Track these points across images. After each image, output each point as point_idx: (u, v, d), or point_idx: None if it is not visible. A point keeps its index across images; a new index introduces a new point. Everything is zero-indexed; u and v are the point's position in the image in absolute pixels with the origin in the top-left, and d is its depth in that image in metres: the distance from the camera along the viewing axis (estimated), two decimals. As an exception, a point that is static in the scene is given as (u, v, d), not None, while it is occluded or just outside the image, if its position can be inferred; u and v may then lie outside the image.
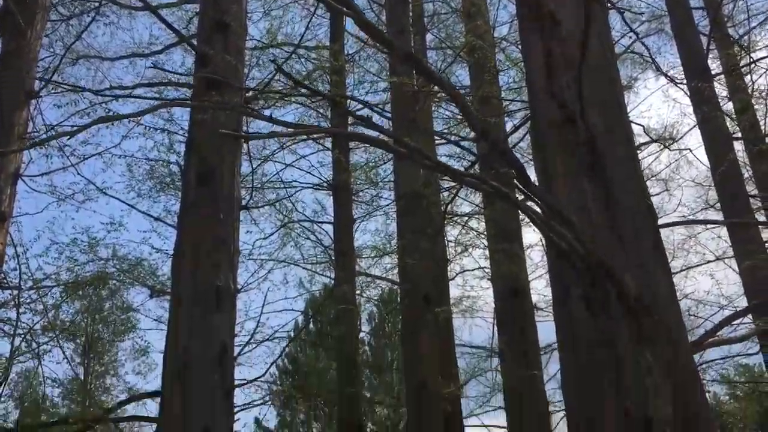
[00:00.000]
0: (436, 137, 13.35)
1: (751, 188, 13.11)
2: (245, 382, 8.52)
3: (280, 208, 14.93)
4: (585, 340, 4.55)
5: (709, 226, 12.93)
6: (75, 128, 6.02)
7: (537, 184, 5.11)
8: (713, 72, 14.00)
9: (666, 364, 4.45)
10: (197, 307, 6.87)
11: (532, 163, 6.60)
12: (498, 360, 14.70)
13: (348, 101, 13.05)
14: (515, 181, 4.60)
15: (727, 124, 13.54)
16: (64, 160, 10.36)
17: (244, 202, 8.69)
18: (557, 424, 13.12)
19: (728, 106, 14.29)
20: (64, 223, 16.42)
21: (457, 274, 14.50)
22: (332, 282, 14.32)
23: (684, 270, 12.88)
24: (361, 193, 16.13)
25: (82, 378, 20.37)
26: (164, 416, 6.64)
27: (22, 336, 10.14)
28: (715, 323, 5.37)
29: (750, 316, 9.33)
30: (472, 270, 14.60)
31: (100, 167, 13.94)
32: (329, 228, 15.66)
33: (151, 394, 11.67)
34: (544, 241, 10.57)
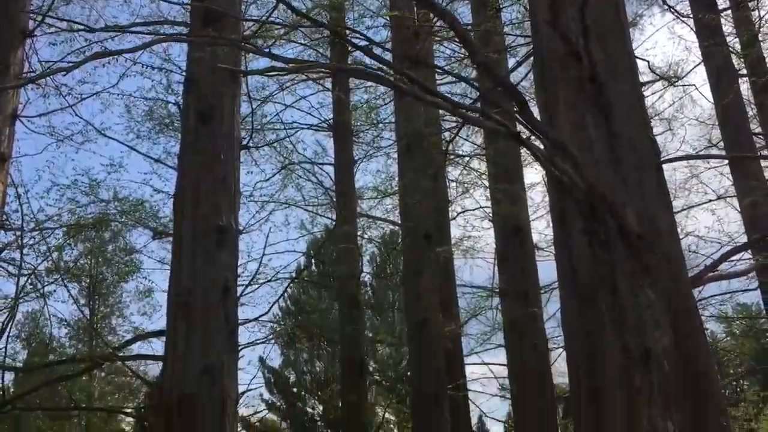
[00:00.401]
0: (437, 76, 13.18)
1: (754, 126, 13.01)
2: (249, 320, 8.62)
3: (281, 149, 14.86)
4: (585, 276, 4.58)
5: (711, 164, 12.89)
6: (71, 64, 5.93)
7: (539, 119, 5.06)
8: (720, 6, 13.72)
9: (666, 299, 4.48)
10: (199, 246, 6.90)
11: (534, 101, 6.54)
12: (498, 299, 14.89)
13: (348, 33, 12.83)
14: (517, 116, 4.55)
15: (733, 61, 13.34)
16: (62, 101, 10.27)
17: (244, 143, 8.63)
18: (556, 359, 13.36)
19: (735, 45, 14.05)
20: (65, 165, 16.35)
21: (458, 214, 14.53)
22: (333, 223, 14.37)
23: (685, 209, 12.90)
24: (361, 134, 16.04)
25: (88, 319, 20.63)
26: (169, 354, 6.74)
27: (27, 276, 10.23)
28: (715, 260, 5.39)
29: (750, 252, 9.38)
30: (473, 210, 14.61)
31: (99, 108, 13.79)
32: (330, 170, 15.63)
33: (156, 333, 11.85)
34: (545, 181, 10.54)
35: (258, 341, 11.99)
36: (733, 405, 18.29)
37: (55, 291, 12.15)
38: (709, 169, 13.39)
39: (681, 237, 6.36)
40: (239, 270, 8.48)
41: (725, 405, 4.32)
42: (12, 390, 14.71)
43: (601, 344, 4.34)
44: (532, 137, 5.31)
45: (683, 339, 4.34)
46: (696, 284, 5.35)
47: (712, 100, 13.00)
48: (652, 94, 13.09)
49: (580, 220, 4.68)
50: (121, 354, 10.65)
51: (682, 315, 4.43)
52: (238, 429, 16.60)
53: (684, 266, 4.69)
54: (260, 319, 11.03)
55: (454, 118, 12.66)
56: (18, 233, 9.85)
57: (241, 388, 9.59)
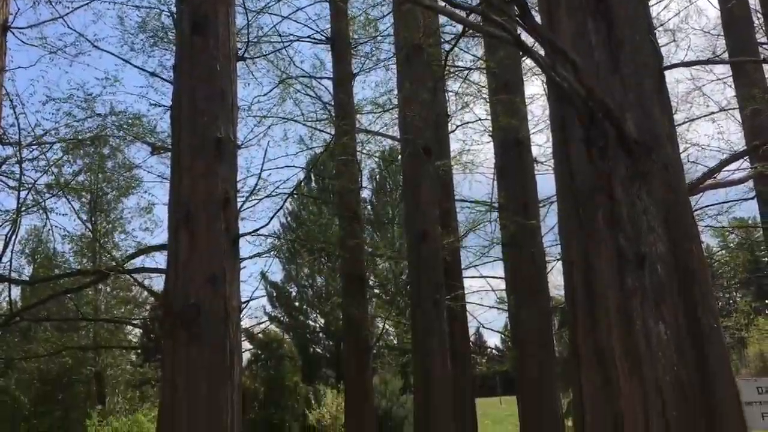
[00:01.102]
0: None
1: (760, 36, 12.77)
2: (250, 231, 8.70)
3: (278, 62, 14.61)
4: (583, 182, 4.61)
5: (714, 75, 12.70)
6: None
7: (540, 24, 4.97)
8: None
9: (662, 204, 4.52)
10: (198, 158, 6.90)
11: (536, 7, 6.39)
12: (497, 214, 15.01)
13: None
14: (518, 20, 4.47)
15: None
16: (53, 11, 10.03)
17: (240, 54, 8.49)
18: (552, 268, 13.58)
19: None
20: (59, 78, 16.07)
21: (456, 127, 14.44)
22: (332, 138, 14.30)
23: (687, 122, 12.82)
24: (360, 46, 15.73)
25: (92, 231, 20.83)
26: (172, 265, 6.84)
27: (27, 190, 10.27)
28: (713, 167, 5.40)
29: (748, 160, 9.36)
30: (473, 122, 14.52)
31: (91, 19, 13.50)
32: (328, 84, 15.42)
33: (159, 247, 11.98)
34: (546, 92, 10.41)
35: (259, 254, 12.12)
36: (725, 316, 18.72)
37: (56, 206, 12.22)
38: (712, 81, 13.23)
39: (681, 151, 6.36)
40: (239, 185, 8.50)
41: (716, 308, 4.43)
42: (19, 304, 14.98)
43: (596, 248, 4.41)
44: (534, 45, 5.24)
45: (678, 245, 4.40)
46: (693, 192, 5.39)
47: (717, 7, 12.69)
48: (657, 2, 12.79)
49: (579, 129, 4.67)
50: (126, 267, 10.80)
51: (678, 221, 4.49)
52: (242, 339, 17.03)
53: (682, 173, 4.71)
54: (260, 231, 11.11)
55: (454, 31, 12.42)
56: (16, 147, 9.83)
57: (243, 300, 9.77)
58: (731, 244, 20.58)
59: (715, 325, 4.34)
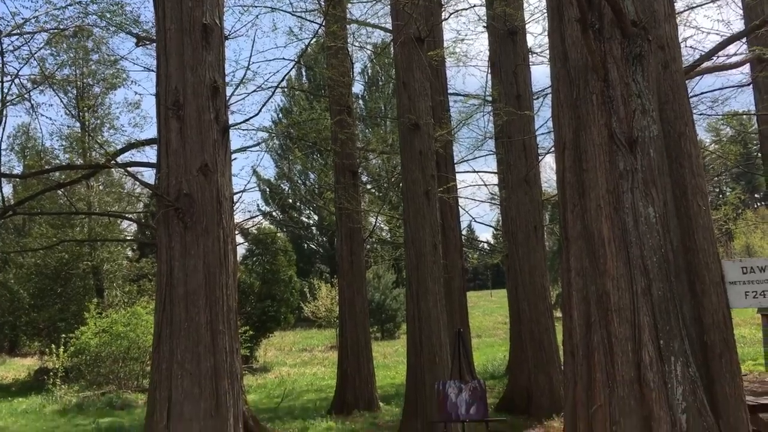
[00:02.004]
0: None
1: None
2: (239, 122, 8.60)
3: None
4: (577, 64, 4.52)
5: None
6: None
7: None
8: None
9: (657, 87, 4.46)
10: (184, 45, 6.72)
11: None
12: (490, 108, 14.86)
13: None
14: None
15: None
16: None
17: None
18: (543, 156, 13.59)
19: None
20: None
21: (450, 15, 14.03)
22: (322, 28, 13.90)
23: (687, 10, 12.46)
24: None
25: (81, 122, 20.64)
26: (163, 155, 6.79)
27: (11, 80, 10.04)
28: (710, 49, 5.30)
29: (746, 43, 9.16)
30: (467, 9, 14.11)
31: None
32: (318, -30, 14.85)
33: (149, 141, 11.90)
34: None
35: (250, 146, 12.06)
36: (714, 209, 18.91)
37: (43, 100, 12.01)
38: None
39: (681, 41, 6.20)
40: (228, 78, 8.33)
41: (705, 189, 4.47)
42: (12, 202, 14.99)
43: (588, 131, 4.38)
44: None
45: (672, 126, 4.38)
46: (690, 75, 5.31)
47: None
48: None
49: (575, 8, 4.54)
50: (115, 162, 10.74)
51: (673, 102, 4.45)
52: (236, 233, 17.20)
53: (679, 54, 4.63)
54: (251, 123, 11.01)
55: None
56: (-3, 36, 9.53)
57: (236, 196, 9.78)
58: (724, 138, 20.54)
59: (704, 207, 4.39)
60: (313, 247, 52.97)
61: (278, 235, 32.97)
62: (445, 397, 6.47)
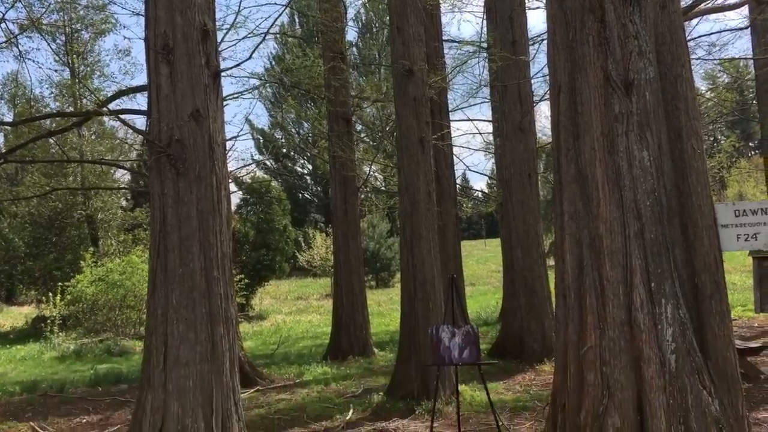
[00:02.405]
0: None
1: None
2: (232, 66, 8.48)
3: None
4: (574, 4, 4.44)
5: None
6: None
7: None
8: None
9: (654, 29, 4.39)
10: (173, -13, 6.57)
11: None
12: (485, 55, 14.69)
13: None
14: None
15: None
16: None
17: None
18: (538, 103, 13.47)
19: None
20: None
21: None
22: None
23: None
24: None
25: (71, 70, 20.35)
26: (154, 101, 6.70)
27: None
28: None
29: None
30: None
31: None
32: None
33: (140, 88, 11.75)
34: None
35: (243, 92, 11.91)
36: (709, 157, 18.90)
37: (31, 46, 11.78)
38: None
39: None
40: (218, 23, 8.17)
41: (700, 132, 4.44)
42: (3, 150, 14.87)
43: (584, 73, 4.33)
44: None
45: (668, 68, 4.33)
46: (688, 15, 5.23)
47: None
48: None
49: (573, -54, 4.44)
50: (108, 109, 10.62)
51: (670, 44, 4.39)
52: (229, 182, 17.16)
53: (677, -5, 4.54)
54: (243, 67, 10.85)
55: None
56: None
57: (229, 144, 9.72)
58: (720, 86, 20.39)
59: (698, 150, 4.37)
60: (308, 196, 53.00)
61: (272, 184, 32.96)
62: (439, 342, 6.55)
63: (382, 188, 25.54)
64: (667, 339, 4.00)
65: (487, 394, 6.59)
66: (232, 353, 6.43)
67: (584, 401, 4.04)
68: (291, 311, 28.75)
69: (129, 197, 32.80)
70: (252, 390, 10.97)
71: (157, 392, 6.12)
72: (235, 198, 31.34)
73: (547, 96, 11.53)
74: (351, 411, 8.99)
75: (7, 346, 19.88)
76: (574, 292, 4.23)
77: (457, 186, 20.35)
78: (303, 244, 36.61)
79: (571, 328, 4.22)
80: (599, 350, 4.05)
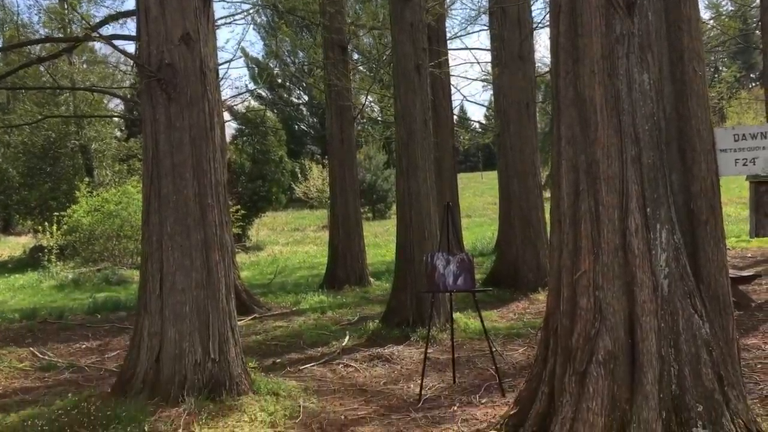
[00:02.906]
0: None
1: None
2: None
3: None
4: None
5: None
6: None
7: None
8: None
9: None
10: None
11: None
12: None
13: None
14: None
15: None
16: None
17: None
18: (537, 28, 13.17)
19: None
20: None
21: None
22: None
23: None
24: None
25: (58, 4, 19.84)
26: (143, 24, 6.51)
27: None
28: None
29: None
30: None
31: None
32: None
33: (130, 13, 11.46)
34: None
35: (235, 14, 11.59)
36: (709, 86, 18.65)
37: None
38: None
39: None
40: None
41: (702, 54, 4.33)
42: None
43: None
44: None
45: (671, -12, 4.20)
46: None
47: None
48: None
49: None
50: (99, 34, 10.35)
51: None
52: (224, 111, 16.97)
53: None
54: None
55: None
56: None
57: (222, 70, 9.52)
58: (723, 14, 19.97)
59: (700, 72, 4.27)
60: (304, 128, 52.61)
61: (268, 115, 32.60)
62: (433, 269, 6.58)
63: (379, 119, 25.31)
64: (661, 264, 4.00)
65: (481, 320, 6.68)
66: (227, 279, 6.46)
67: (576, 325, 4.07)
68: (288, 242, 28.91)
69: (123, 127, 32.50)
70: (249, 318, 11.12)
71: (154, 318, 6.18)
72: (231, 129, 31.10)
73: (547, 23, 11.29)
74: (347, 338, 9.13)
75: (6, 275, 20.03)
76: (569, 218, 4.20)
77: (455, 117, 20.16)
78: (299, 176, 36.55)
79: (566, 253, 4.21)
80: (593, 275, 4.05)
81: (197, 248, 6.20)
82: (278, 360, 8.19)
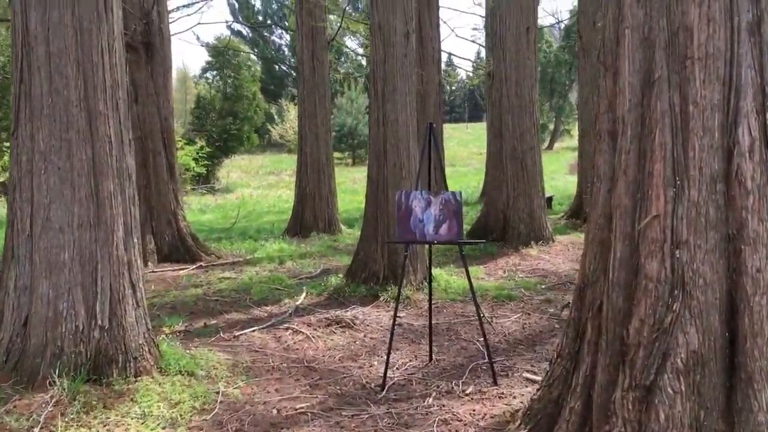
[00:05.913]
0: None
1: None
2: None
3: None
4: None
5: None
6: None
7: None
8: None
9: None
10: None
11: None
12: None
13: None
14: None
15: None
16: None
17: None
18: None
19: None
20: None
21: None
22: None
23: None
24: None
25: None
26: None
27: None
28: None
29: None
30: None
31: None
32: None
33: None
34: None
35: None
36: None
37: None
38: None
39: None
40: None
41: None
42: None
43: None
44: None
45: None
46: None
47: None
48: None
49: None
50: None
51: None
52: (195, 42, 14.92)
53: None
54: None
55: None
56: None
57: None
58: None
59: None
60: (285, 69, 50.16)
61: (242, 47, 30.37)
62: (408, 212, 4.91)
63: (360, 51, 23.34)
64: (782, 207, 2.36)
65: (469, 280, 5.03)
66: (129, 217, 4.73)
67: (639, 306, 2.43)
68: (260, 185, 27.06)
69: None
70: (194, 267, 9.43)
71: (23, 267, 4.47)
72: (200, 61, 28.97)
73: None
74: (303, 295, 7.50)
75: None
76: (631, 124, 2.51)
77: (442, 52, 18.26)
78: (276, 117, 34.51)
79: (622, 185, 2.55)
80: (672, 221, 2.40)
81: (82, 173, 4.45)
82: (212, 321, 6.53)
